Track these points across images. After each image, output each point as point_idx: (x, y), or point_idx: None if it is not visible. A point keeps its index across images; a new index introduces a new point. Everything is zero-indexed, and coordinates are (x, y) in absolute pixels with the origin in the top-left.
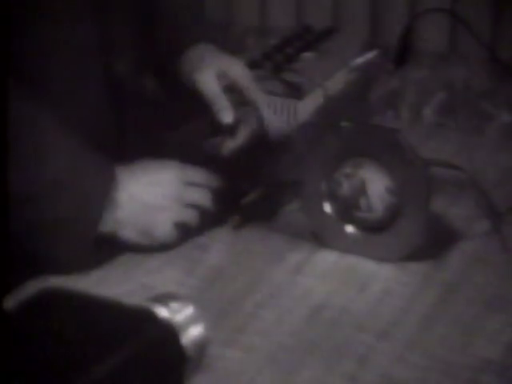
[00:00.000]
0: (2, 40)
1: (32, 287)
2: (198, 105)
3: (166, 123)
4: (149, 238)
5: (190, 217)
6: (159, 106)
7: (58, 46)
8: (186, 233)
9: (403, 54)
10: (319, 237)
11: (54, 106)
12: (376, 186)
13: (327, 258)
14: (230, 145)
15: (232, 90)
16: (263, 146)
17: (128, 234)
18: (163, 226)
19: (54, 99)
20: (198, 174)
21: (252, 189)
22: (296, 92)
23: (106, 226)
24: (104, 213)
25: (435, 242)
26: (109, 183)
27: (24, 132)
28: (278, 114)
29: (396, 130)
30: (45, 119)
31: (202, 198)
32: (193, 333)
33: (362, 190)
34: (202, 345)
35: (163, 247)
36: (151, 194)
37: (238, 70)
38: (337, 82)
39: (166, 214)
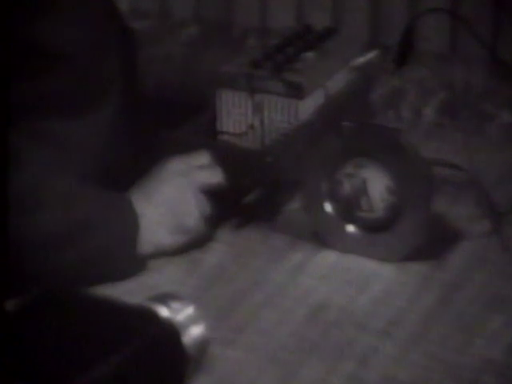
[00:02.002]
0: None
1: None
2: (198, 105)
3: (166, 123)
4: (183, 234)
5: (208, 201)
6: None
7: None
8: (211, 221)
9: (404, 53)
10: (320, 237)
11: (67, 124)
12: (377, 185)
13: (328, 258)
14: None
15: None
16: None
17: (162, 239)
18: (190, 215)
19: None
20: (199, 156)
21: (253, 188)
22: (296, 92)
23: (143, 247)
24: (136, 235)
25: (435, 241)
26: (129, 209)
27: (44, 180)
28: (279, 114)
29: (397, 130)
30: (59, 142)
31: (212, 175)
32: (193, 332)
33: (362, 190)
34: (202, 344)
35: (202, 240)
36: (165, 191)
37: None
38: (337, 82)
39: (187, 203)
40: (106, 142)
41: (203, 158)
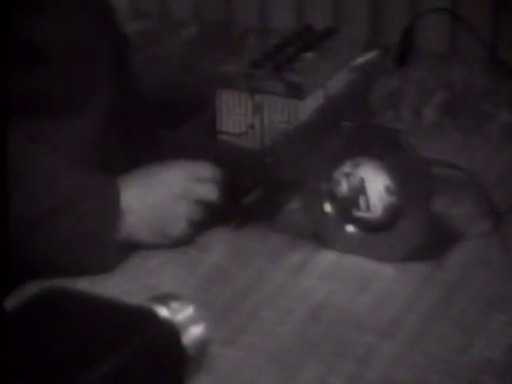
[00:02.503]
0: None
1: (33, 286)
2: (198, 105)
3: (166, 123)
4: (164, 238)
5: (200, 212)
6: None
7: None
8: (197, 227)
9: (404, 54)
10: (319, 237)
11: (53, 124)
12: (375, 185)
13: (327, 258)
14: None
15: None
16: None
17: (143, 237)
18: (176, 225)
19: (54, 117)
20: (203, 169)
21: (253, 188)
22: (296, 92)
23: (121, 233)
24: (117, 223)
25: (435, 242)
26: (115, 195)
27: (28, 158)
28: (279, 114)
29: (396, 130)
30: (46, 141)
31: (210, 192)
32: (193, 332)
33: (361, 190)
34: (202, 345)
35: (177, 243)
36: (159, 195)
37: None
38: (337, 82)
39: (177, 213)
40: (96, 142)
41: (206, 170)
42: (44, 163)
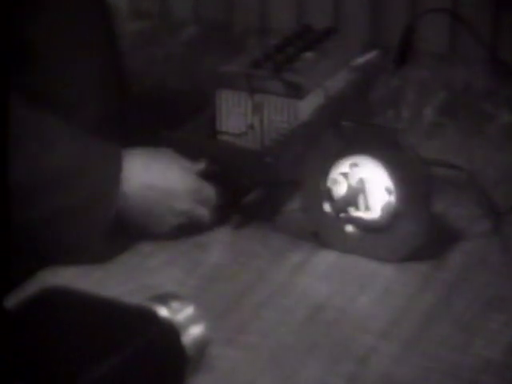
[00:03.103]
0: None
1: (33, 286)
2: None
3: (166, 123)
4: (145, 231)
5: (190, 224)
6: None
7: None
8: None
9: (404, 54)
10: (319, 237)
11: (57, 92)
12: (375, 185)
13: (327, 258)
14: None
15: None
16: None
17: (129, 223)
18: (164, 227)
19: (57, 84)
20: (208, 191)
21: (253, 188)
22: (296, 92)
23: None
24: (113, 203)
25: (435, 242)
26: (118, 169)
27: (28, 122)
28: (279, 114)
29: (396, 130)
30: (47, 107)
31: (206, 216)
32: (193, 332)
33: (360, 190)
34: (202, 344)
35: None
36: (164, 203)
37: None
38: (337, 82)
39: (169, 221)
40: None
41: (210, 194)
42: (45, 126)
